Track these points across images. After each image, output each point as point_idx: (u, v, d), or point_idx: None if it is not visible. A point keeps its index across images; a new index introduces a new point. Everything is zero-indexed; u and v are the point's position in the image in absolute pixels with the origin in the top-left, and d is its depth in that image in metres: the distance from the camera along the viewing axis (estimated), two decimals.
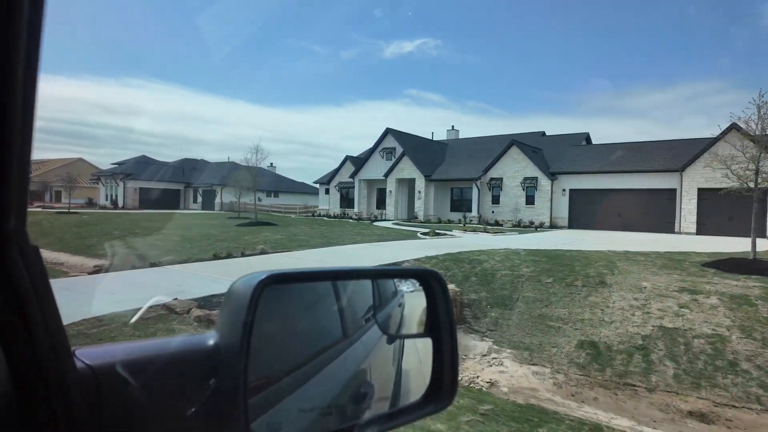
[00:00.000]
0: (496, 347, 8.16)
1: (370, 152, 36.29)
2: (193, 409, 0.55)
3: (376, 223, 29.25)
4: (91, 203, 52.85)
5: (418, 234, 20.91)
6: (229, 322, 0.60)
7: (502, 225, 28.23)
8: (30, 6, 0.35)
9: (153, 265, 11.90)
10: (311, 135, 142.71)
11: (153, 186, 52.73)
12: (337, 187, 39.44)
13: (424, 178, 32.38)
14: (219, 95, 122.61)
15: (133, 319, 6.33)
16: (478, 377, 6.92)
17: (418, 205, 32.51)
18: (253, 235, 20.63)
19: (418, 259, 12.46)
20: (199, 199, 54.63)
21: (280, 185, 61.92)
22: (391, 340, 1.02)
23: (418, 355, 0.95)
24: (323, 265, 10.60)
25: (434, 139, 40.48)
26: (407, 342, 1.02)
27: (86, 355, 0.51)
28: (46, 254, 19.55)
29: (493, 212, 30.51)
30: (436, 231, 21.35)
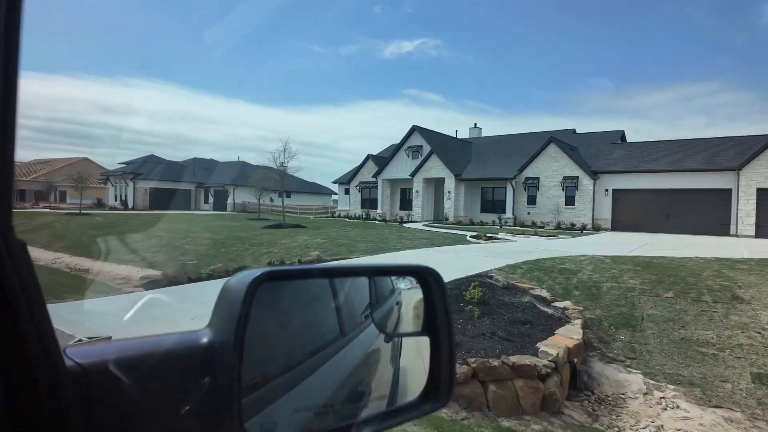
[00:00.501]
0: (652, 382, 6.68)
1: (395, 151, 34.81)
2: (186, 408, 0.54)
3: (405, 225, 27.79)
4: (99, 204, 51.38)
5: (468, 238, 19.42)
6: (222, 320, 0.59)
7: (543, 227, 26.71)
8: (6, 2, 0.34)
9: (211, 277, 10.42)
10: (311, 135, 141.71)
11: (163, 186, 51.28)
12: (358, 187, 37.98)
13: (454, 178, 30.91)
14: (218, 95, 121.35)
15: (127, 316, 6.01)
16: (662, 428, 5.44)
17: (448, 205, 31.04)
18: (290, 238, 19.15)
19: (501, 269, 10.98)
20: (211, 199, 53.17)
21: (290, 185, 60.42)
22: (388, 338, 1.00)
23: (418, 353, 0.94)
24: None
25: (457, 137, 39.01)
26: (405, 340, 1.00)
27: (77, 353, 0.51)
28: (69, 259, 18.15)
29: (528, 213, 29.04)
30: (487, 235, 19.85)
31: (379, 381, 0.94)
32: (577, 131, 33.86)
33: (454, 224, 28.65)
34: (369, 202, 37.32)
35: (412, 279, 0.98)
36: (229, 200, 51.25)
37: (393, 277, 1.11)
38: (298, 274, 0.83)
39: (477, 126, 41.15)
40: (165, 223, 28.18)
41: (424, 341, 0.90)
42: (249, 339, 0.58)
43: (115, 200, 51.47)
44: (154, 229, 24.60)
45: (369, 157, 37.74)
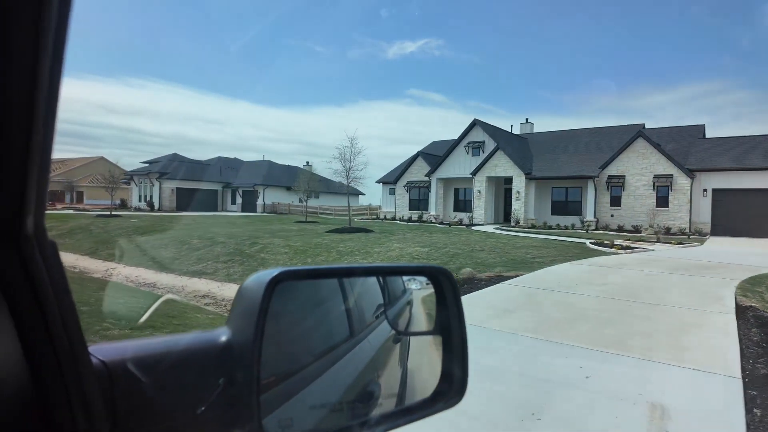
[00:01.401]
0: None
1: (451, 147, 32.07)
2: (205, 404, 0.55)
3: (474, 228, 25.07)
4: (123, 204, 48.91)
5: (588, 245, 16.59)
6: (241, 319, 0.61)
7: (639, 231, 23.79)
8: (59, 1, 0.35)
9: None
10: (313, 135, 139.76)
11: (190, 186, 48.77)
12: (406, 187, 35.27)
13: (524, 176, 28.13)
14: (221, 95, 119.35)
15: (143, 318, 5.91)
16: None
17: (517, 206, 28.26)
18: (379, 245, 16.45)
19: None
20: (239, 199, 50.64)
21: (317, 185, 57.85)
22: (398, 338, 1.02)
23: (425, 354, 0.96)
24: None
25: (512, 133, 36.22)
26: (413, 341, 1.02)
27: (100, 351, 0.52)
28: (128, 271, 15.58)
29: (612, 216, 26.21)
30: (615, 242, 16.98)
31: (389, 381, 0.94)
32: (695, 125, 29.95)
33: (528, 228, 25.87)
34: (418, 203, 34.61)
35: (423, 279, 0.99)
36: (259, 201, 48.71)
37: (405, 277, 1.10)
38: (314, 274, 0.85)
39: (528, 121, 38.34)
40: (212, 227, 25.57)
41: (430, 343, 0.93)
42: (265, 338, 0.59)
43: (139, 201, 48.98)
44: (203, 232, 22.00)
45: (419, 154, 35.03)
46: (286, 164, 58.38)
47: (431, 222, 30.70)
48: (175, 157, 52.38)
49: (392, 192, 37.14)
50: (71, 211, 40.70)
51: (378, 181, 38.43)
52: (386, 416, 0.81)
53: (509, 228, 25.63)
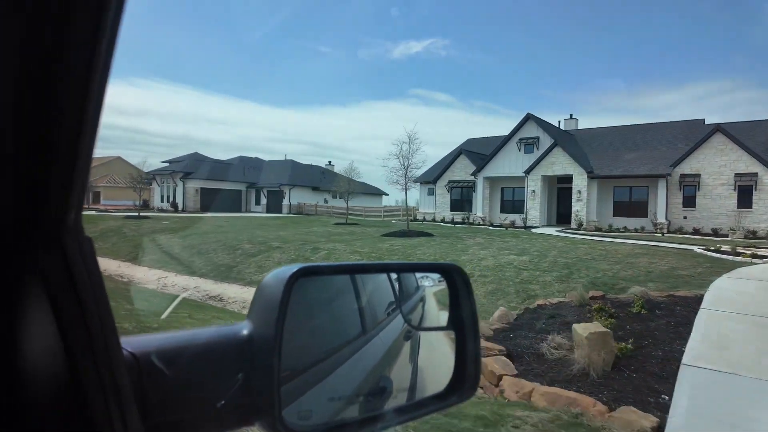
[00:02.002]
0: None
1: (501, 144, 30.07)
2: (227, 395, 0.57)
3: (534, 231, 23.09)
4: (146, 205, 47.32)
5: (696, 251, 14.54)
6: (261, 313, 0.63)
7: (718, 234, 21.61)
8: (116, 4, 0.37)
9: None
10: (317, 135, 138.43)
11: (214, 186, 47.13)
12: (447, 187, 33.33)
13: (586, 175, 26.07)
14: (227, 96, 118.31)
15: (164, 315, 6.01)
16: None
17: (578, 208, 26.20)
18: (462, 251, 14.52)
19: None
20: (264, 200, 48.93)
21: (342, 185, 56.03)
22: (410, 334, 1.06)
23: (436, 350, 0.99)
24: None
25: (561, 129, 34.13)
26: (423, 338, 1.06)
27: (129, 343, 0.54)
28: (185, 281, 13.78)
29: (685, 218, 24.10)
30: (754, 252, 14.86)
31: (401, 375, 0.97)
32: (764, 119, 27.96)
33: (594, 231, 23.81)
34: (460, 204, 32.65)
35: (436, 276, 1.01)
36: (285, 201, 46.97)
37: (418, 275, 1.13)
38: (331, 270, 0.87)
39: (573, 117, 36.22)
40: (251, 229, 23.80)
41: (440, 340, 0.96)
42: (284, 332, 0.61)
43: (162, 201, 47.41)
44: (249, 236, 20.20)
45: (462, 151, 33.08)
46: (309, 164, 56.74)
47: (479, 224, 28.71)
48: (196, 157, 50.76)
49: (431, 192, 35.21)
50: (92, 212, 39.16)
51: (416, 181, 36.44)
52: (400, 409, 0.82)
53: (574, 231, 23.60)
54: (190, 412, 0.56)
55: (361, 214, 43.70)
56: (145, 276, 14.34)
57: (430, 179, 35.52)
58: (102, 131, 0.40)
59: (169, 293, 12.36)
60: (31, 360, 0.43)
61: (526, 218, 27.78)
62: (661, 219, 24.10)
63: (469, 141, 40.37)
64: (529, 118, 29.03)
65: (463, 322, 0.89)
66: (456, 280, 0.92)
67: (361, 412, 0.80)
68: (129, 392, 0.48)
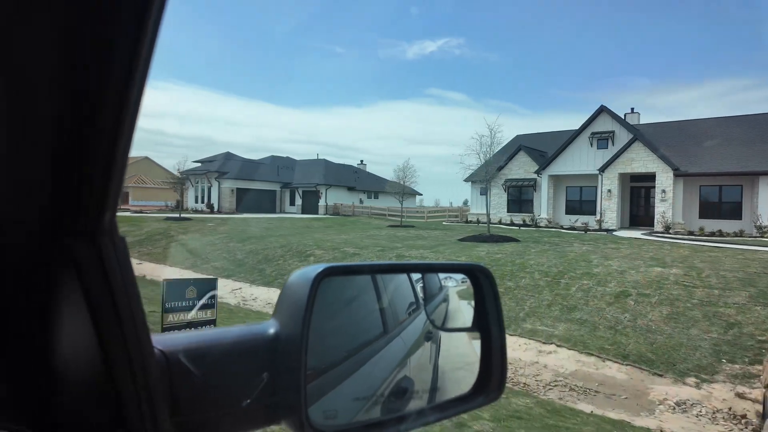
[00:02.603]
0: None
1: (570, 139, 27.66)
2: (253, 394, 0.58)
3: (617, 234, 20.74)
4: (179, 206, 45.96)
5: None
6: (288, 312, 0.63)
7: None
8: (157, 9, 0.37)
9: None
10: (331, 136, 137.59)
11: (249, 186, 45.57)
12: (504, 186, 31.02)
13: (671, 173, 23.56)
14: (241, 97, 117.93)
15: (191, 315, 5.92)
16: None
17: (663, 208, 23.68)
18: (585, 261, 12.32)
19: None
20: (299, 200, 47.21)
21: (375, 185, 54.11)
22: (431, 335, 1.05)
23: (458, 351, 0.99)
24: None
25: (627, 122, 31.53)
26: (444, 339, 1.05)
27: (159, 341, 0.54)
28: None
29: None
30: None
31: (423, 376, 0.95)
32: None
33: (687, 235, 21.30)
34: (519, 204, 30.34)
35: (459, 277, 1.01)
36: (321, 202, 45.17)
37: (441, 275, 1.11)
38: (355, 270, 0.87)
39: (634, 111, 33.55)
40: (304, 232, 21.92)
41: (463, 341, 0.95)
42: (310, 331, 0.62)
43: (196, 202, 46.02)
44: (314, 241, 18.30)
45: (521, 148, 30.74)
46: (341, 163, 54.90)
47: (546, 226, 26.38)
48: (228, 156, 49.22)
49: (483, 191, 32.91)
50: (126, 213, 37.83)
51: (466, 180, 34.23)
52: (426, 410, 0.82)
53: (662, 234, 21.15)
54: (217, 410, 0.55)
55: (401, 214, 41.64)
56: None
57: (481, 177, 33.27)
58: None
59: (256, 310, 10.45)
60: (67, 352, 0.45)
61: (600, 220, 25.34)
62: (766, 221, 21.47)
63: (519, 137, 38.03)
64: (602, 110, 26.58)
65: (488, 324, 0.88)
66: (481, 280, 0.91)
67: (384, 413, 0.79)
68: (159, 389, 0.48)
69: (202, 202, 44.77)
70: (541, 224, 27.07)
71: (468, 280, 0.96)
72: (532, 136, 36.83)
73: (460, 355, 0.96)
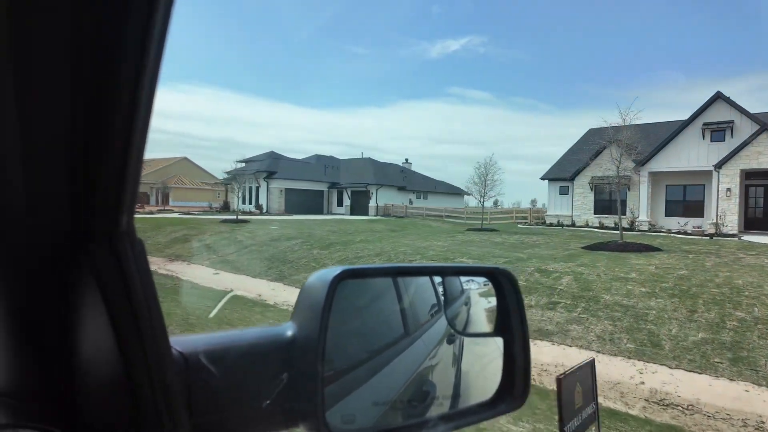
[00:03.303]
0: None
1: (677, 131, 24.39)
2: (271, 397, 0.58)
3: (753, 241, 17.45)
4: (226, 207, 44.30)
5: None
6: (305, 314, 0.63)
7: None
8: (164, 9, 0.37)
9: None
10: (353, 136, 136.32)
11: (296, 186, 43.55)
12: (591, 184, 27.88)
13: None
14: (266, 98, 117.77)
15: (213, 313, 6.29)
16: None
17: None
18: None
19: None
20: (347, 201, 44.93)
21: (423, 184, 51.33)
22: (453, 339, 1.02)
23: (480, 356, 0.97)
24: None
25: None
26: (466, 343, 1.02)
27: (177, 342, 0.54)
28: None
29: None
30: None
31: (444, 381, 0.93)
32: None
33: None
34: (608, 205, 27.14)
35: (481, 280, 0.98)
36: (371, 202, 42.76)
37: (463, 278, 1.08)
38: (374, 273, 0.86)
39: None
40: (377, 237, 19.42)
41: (485, 346, 0.93)
42: (327, 333, 0.61)
43: (243, 203, 44.25)
44: (402, 247, 15.76)
45: (611, 141, 27.50)
46: (387, 162, 52.39)
47: (648, 230, 23.18)
48: (274, 156, 47.23)
49: (564, 191, 29.86)
50: (174, 214, 36.16)
51: (543, 178, 31.21)
52: (446, 417, 0.80)
53: None
54: (235, 412, 0.55)
55: (462, 216, 38.83)
56: None
57: (560, 175, 30.20)
58: (154, 135, 0.41)
59: None
60: (89, 354, 0.46)
61: (719, 223, 21.99)
62: None
63: (592, 131, 34.76)
64: (718, 97, 23.22)
65: (511, 328, 0.86)
66: (504, 284, 0.90)
67: (404, 418, 0.78)
68: (178, 390, 0.49)
69: (250, 202, 42.92)
70: (642, 227, 23.87)
71: (489, 284, 0.92)
72: (605, 129, 33.52)
73: (486, 360, 0.91)
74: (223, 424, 0.54)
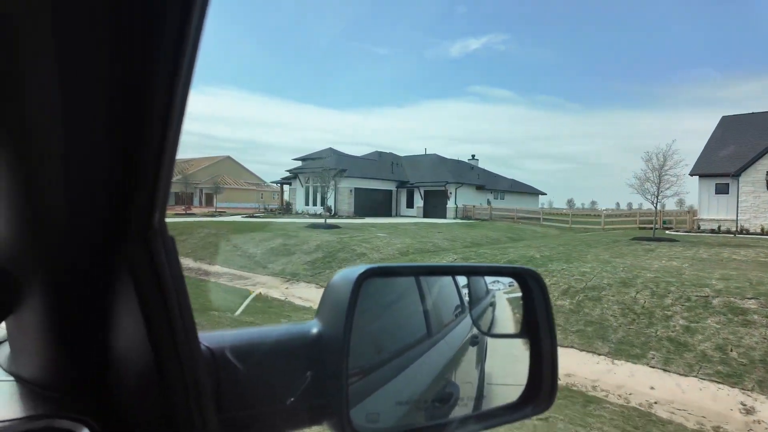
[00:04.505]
0: None
1: None
2: (296, 394, 0.58)
3: None
4: (288, 209, 39.96)
5: None
6: (330, 313, 0.63)
7: None
8: (199, 10, 0.37)
9: None
10: (374, 136, 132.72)
11: (365, 186, 38.88)
12: (766, 180, 22.32)
13: None
14: (288, 100, 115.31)
15: (238, 312, 6.16)
16: None
17: None
18: None
19: None
20: (419, 202, 40.00)
21: (499, 183, 45.99)
22: (476, 339, 1.01)
23: (505, 357, 0.97)
24: None
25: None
26: (490, 344, 1.01)
27: (206, 338, 0.55)
28: None
29: None
30: None
31: (468, 382, 0.92)
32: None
33: None
34: None
35: (507, 281, 0.97)
36: (450, 203, 37.77)
37: (488, 279, 1.07)
38: (399, 271, 0.85)
39: None
40: (573, 252, 14.43)
41: (510, 347, 0.92)
42: (352, 332, 0.61)
43: (307, 204, 39.76)
44: (616, 271, 10.75)
45: None
46: (453, 158, 47.34)
47: None
48: (329, 152, 42.46)
49: (721, 189, 24.32)
50: (237, 217, 31.76)
51: (693, 174, 25.64)
52: (471, 418, 0.79)
53: None
54: (261, 408, 0.56)
55: (655, 223, 33.51)
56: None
57: (714, 170, 24.68)
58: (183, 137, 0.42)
59: None
60: (123, 348, 0.47)
61: None
62: None
63: (725, 118, 29.09)
64: None
65: (538, 330, 0.85)
66: (531, 285, 0.89)
67: (428, 418, 0.77)
68: (207, 385, 0.49)
69: (314, 204, 38.39)
70: None
71: (516, 284, 0.91)
72: (746, 116, 27.87)
73: (510, 361, 0.91)
74: (249, 420, 0.55)
